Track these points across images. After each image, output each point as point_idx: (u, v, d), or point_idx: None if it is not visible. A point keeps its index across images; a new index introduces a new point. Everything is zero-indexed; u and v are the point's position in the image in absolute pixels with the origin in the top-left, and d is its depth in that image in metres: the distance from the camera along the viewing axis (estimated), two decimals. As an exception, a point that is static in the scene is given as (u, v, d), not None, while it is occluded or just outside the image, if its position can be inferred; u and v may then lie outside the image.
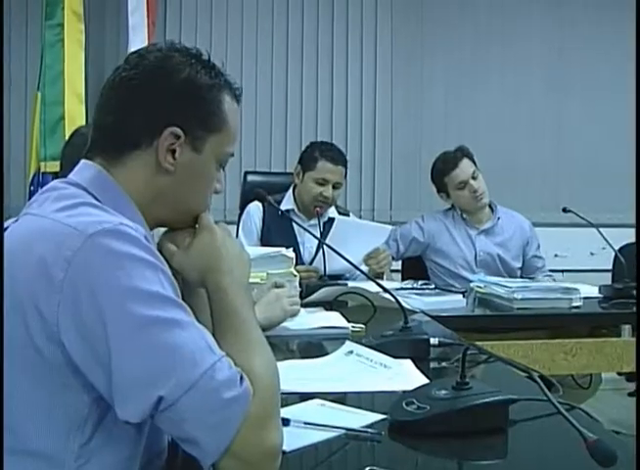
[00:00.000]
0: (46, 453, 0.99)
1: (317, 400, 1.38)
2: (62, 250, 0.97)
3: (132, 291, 0.96)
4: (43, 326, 0.96)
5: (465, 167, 3.42)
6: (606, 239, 3.13)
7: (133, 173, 1.12)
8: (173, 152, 1.12)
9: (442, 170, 3.46)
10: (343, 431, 1.21)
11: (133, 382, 0.94)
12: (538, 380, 1.27)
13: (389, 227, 3.25)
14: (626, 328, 2.77)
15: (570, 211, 3.23)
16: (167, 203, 1.15)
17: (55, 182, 1.14)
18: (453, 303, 2.69)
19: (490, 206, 3.56)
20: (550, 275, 3.51)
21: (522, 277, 3.45)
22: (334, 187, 3.27)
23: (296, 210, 3.36)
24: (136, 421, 0.97)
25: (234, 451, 0.96)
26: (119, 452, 1.03)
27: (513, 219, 3.59)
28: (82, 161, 1.16)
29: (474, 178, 3.41)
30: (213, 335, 1.04)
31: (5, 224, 1.10)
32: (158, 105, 1.12)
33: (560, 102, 4.92)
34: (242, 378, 0.98)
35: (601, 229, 3.20)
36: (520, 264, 3.54)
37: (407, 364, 1.65)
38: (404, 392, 1.37)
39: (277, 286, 2.15)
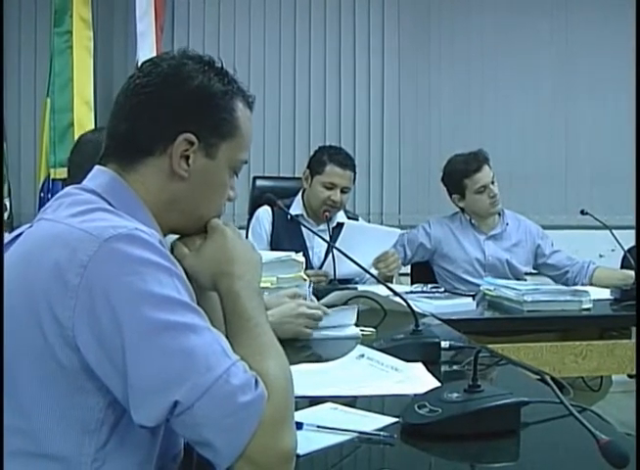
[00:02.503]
0: (63, 456, 0.99)
1: (329, 404, 1.39)
2: (77, 255, 0.97)
3: (147, 295, 0.96)
4: (59, 331, 0.97)
5: (487, 172, 3.43)
6: (618, 241, 3.13)
7: (147, 180, 1.13)
8: (187, 158, 1.13)
9: (464, 171, 3.44)
10: (356, 434, 1.22)
11: (149, 386, 0.95)
12: (551, 382, 1.28)
13: (398, 231, 3.26)
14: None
15: (587, 213, 3.23)
16: (181, 209, 1.16)
17: (69, 188, 1.14)
18: (463, 306, 2.69)
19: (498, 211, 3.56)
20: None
21: (553, 276, 3.48)
22: (342, 191, 3.28)
23: (305, 215, 3.36)
24: (151, 425, 0.97)
25: (248, 455, 0.96)
26: (135, 455, 1.03)
27: (520, 224, 3.60)
28: (96, 167, 1.17)
29: (492, 183, 3.43)
30: (226, 338, 1.05)
31: (19, 230, 1.11)
32: (171, 112, 1.13)
33: (568, 107, 4.90)
34: (256, 382, 0.99)
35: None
36: (527, 269, 3.54)
37: (418, 367, 1.65)
38: (416, 395, 1.37)
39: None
